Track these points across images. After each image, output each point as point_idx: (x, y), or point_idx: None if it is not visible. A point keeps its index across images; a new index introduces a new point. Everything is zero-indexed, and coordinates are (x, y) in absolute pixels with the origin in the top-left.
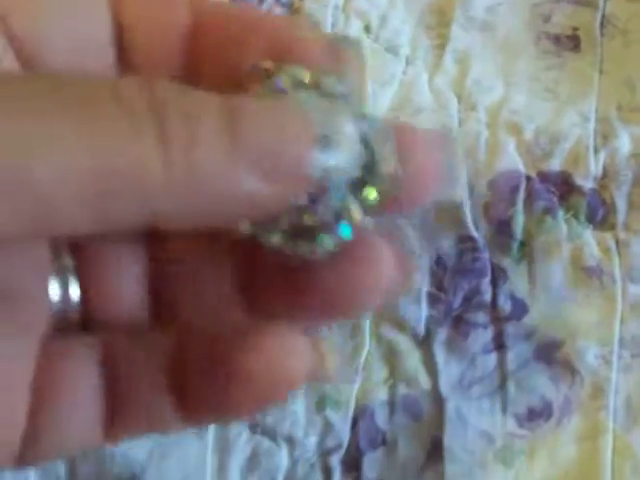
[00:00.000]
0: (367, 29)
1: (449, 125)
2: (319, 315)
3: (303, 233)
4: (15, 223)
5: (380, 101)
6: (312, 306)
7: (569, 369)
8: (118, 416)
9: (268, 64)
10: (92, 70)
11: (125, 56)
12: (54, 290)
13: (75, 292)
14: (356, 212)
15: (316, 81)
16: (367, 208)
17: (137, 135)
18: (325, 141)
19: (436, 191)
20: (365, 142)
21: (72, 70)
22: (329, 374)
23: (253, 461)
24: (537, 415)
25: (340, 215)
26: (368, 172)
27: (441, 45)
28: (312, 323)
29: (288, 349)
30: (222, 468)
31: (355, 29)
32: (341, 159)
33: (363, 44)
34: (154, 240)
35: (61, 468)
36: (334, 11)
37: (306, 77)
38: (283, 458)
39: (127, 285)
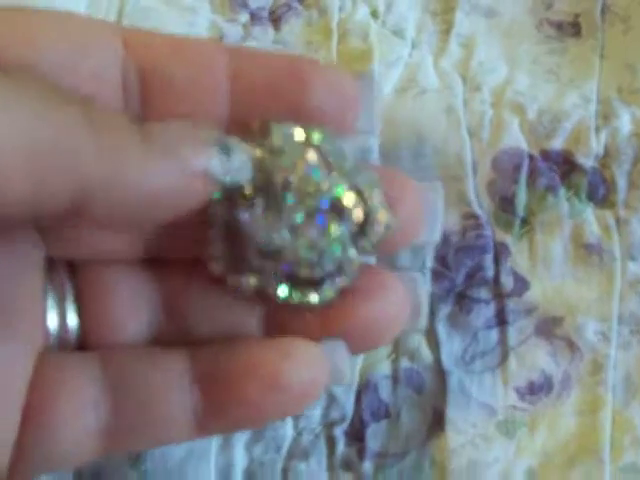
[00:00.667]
0: (374, 14)
1: (454, 105)
2: None
3: (307, 284)
4: None
5: (387, 82)
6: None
7: (569, 345)
8: (122, 430)
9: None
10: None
11: (156, 104)
12: (52, 319)
13: (72, 320)
14: (356, 261)
15: (307, 137)
16: (365, 254)
17: (74, 121)
18: (220, 149)
19: (420, 235)
20: (359, 195)
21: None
22: (344, 377)
23: (258, 432)
24: (538, 389)
25: (341, 265)
26: (365, 223)
27: (446, 30)
28: None
29: (313, 357)
30: (226, 440)
31: (362, 14)
32: (235, 164)
33: (370, 28)
34: (158, 266)
35: None
36: None
37: (299, 135)
38: (288, 429)
39: (126, 311)
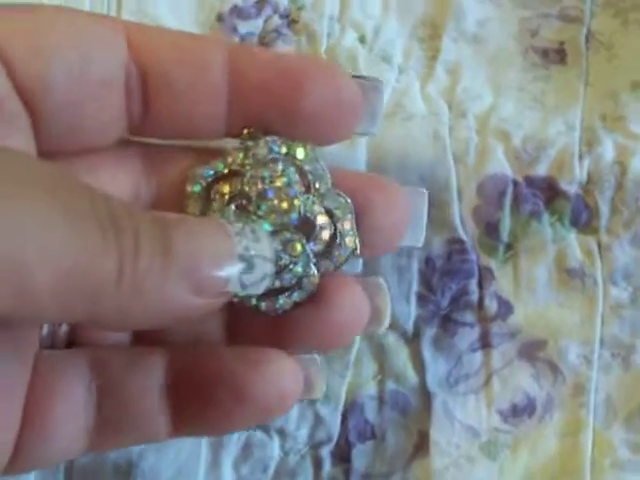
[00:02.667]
0: (362, 39)
1: (440, 131)
2: (296, 350)
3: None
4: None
5: None
6: (290, 342)
7: (551, 368)
8: (107, 428)
9: (248, 136)
10: (97, 102)
11: (157, 103)
12: None
13: None
14: (314, 279)
15: (291, 153)
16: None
17: (104, 247)
18: (244, 260)
19: (405, 240)
20: (330, 217)
21: (75, 101)
22: (317, 391)
23: (246, 452)
24: (521, 411)
25: (300, 281)
26: (332, 245)
27: (433, 56)
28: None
29: (284, 369)
30: (216, 458)
31: (350, 40)
32: (257, 277)
33: (358, 53)
34: None
35: None
36: (330, 22)
37: (283, 149)
38: (275, 449)
39: None
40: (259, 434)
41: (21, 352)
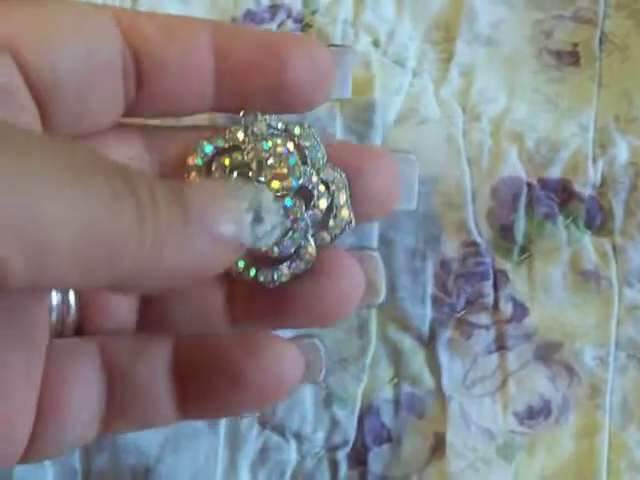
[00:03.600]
0: (375, 43)
1: (454, 134)
2: (295, 324)
3: (263, 263)
4: (23, 268)
5: (388, 110)
6: (289, 315)
7: (567, 370)
8: (117, 412)
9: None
10: (100, 88)
11: (149, 82)
12: (55, 303)
13: (72, 299)
14: (312, 249)
15: (288, 130)
16: (322, 246)
17: (119, 202)
18: (254, 215)
19: (397, 203)
20: (327, 189)
21: (81, 91)
22: (317, 376)
23: (263, 455)
24: (537, 413)
25: (299, 252)
26: (327, 217)
27: (447, 59)
28: (290, 327)
29: (281, 354)
30: (232, 461)
31: (364, 43)
32: (267, 228)
33: (371, 57)
34: None
35: (76, 460)
36: (343, 26)
37: (280, 126)
38: (292, 453)
39: (119, 297)
40: (276, 437)
41: (34, 340)
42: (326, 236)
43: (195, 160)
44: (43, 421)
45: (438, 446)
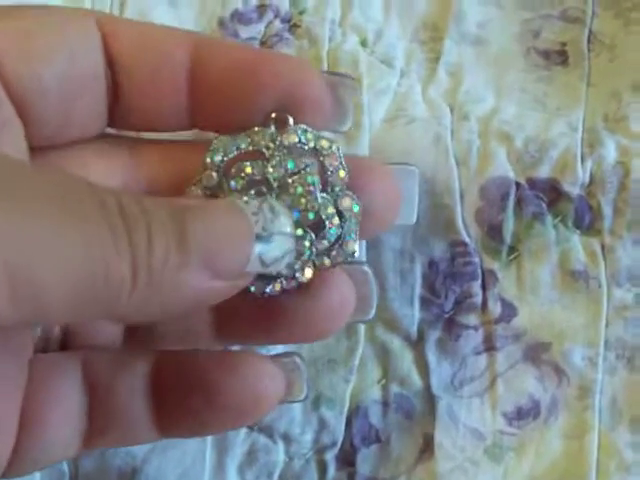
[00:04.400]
0: (363, 43)
1: (442, 134)
2: (283, 339)
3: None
4: (12, 313)
5: (375, 111)
6: (277, 330)
7: (556, 370)
8: (97, 429)
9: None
10: (83, 98)
11: (123, 94)
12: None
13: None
14: (309, 273)
15: (316, 147)
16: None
17: (118, 251)
18: (263, 239)
19: (398, 219)
20: (340, 218)
21: (64, 101)
22: (298, 393)
23: (250, 457)
24: (525, 414)
25: (294, 272)
26: (333, 246)
27: (434, 59)
28: (278, 343)
29: (261, 373)
30: (220, 463)
31: (351, 43)
32: (277, 254)
33: (359, 57)
34: None
35: (63, 462)
36: (331, 25)
37: (310, 139)
38: (280, 454)
39: None
40: (263, 439)
41: (16, 357)
42: (327, 262)
43: (214, 157)
44: (26, 436)
45: (427, 447)
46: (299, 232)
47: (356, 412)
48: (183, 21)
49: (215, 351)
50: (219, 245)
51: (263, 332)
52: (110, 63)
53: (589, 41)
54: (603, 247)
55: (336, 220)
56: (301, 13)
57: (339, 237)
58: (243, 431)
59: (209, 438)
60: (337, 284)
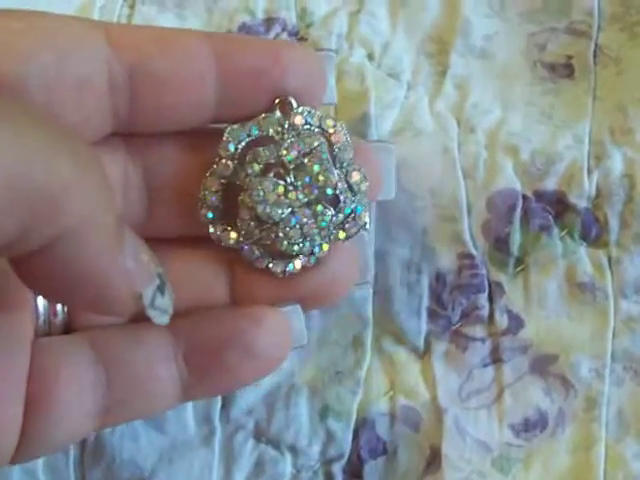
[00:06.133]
0: (370, 56)
1: (449, 147)
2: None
3: (276, 255)
4: None
5: (383, 123)
6: (289, 298)
7: (563, 382)
8: (118, 401)
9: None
10: (76, 103)
11: (144, 95)
12: (40, 304)
13: (59, 304)
14: (326, 248)
15: (322, 126)
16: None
17: (60, 164)
18: (160, 284)
19: (378, 193)
20: (351, 192)
21: (52, 105)
22: (302, 339)
23: (258, 468)
24: (532, 426)
25: (313, 249)
26: (346, 220)
27: (441, 72)
28: None
29: (280, 321)
30: (228, 474)
31: (358, 56)
32: (162, 305)
33: (366, 70)
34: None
35: (70, 472)
36: (338, 39)
37: (315, 120)
38: (287, 466)
39: None
40: (271, 451)
41: (15, 337)
42: (342, 235)
43: (228, 147)
44: (32, 417)
45: (434, 459)
46: (319, 208)
47: (363, 424)
48: None
49: (233, 307)
50: (138, 250)
51: (276, 300)
52: (127, 66)
53: (595, 54)
54: (610, 259)
55: (349, 194)
56: (308, 26)
57: (352, 210)
58: (250, 443)
59: (217, 450)
60: (345, 256)
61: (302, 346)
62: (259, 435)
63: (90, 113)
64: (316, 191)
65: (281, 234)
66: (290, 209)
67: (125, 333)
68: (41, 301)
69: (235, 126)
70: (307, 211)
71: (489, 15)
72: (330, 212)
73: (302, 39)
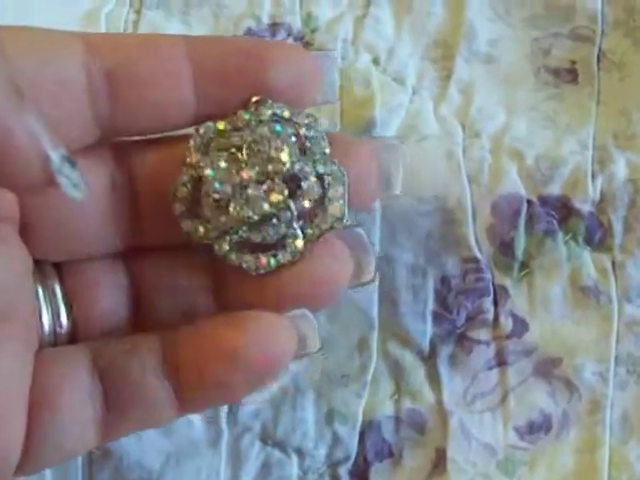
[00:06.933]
0: (375, 61)
1: (454, 151)
2: (285, 308)
3: (249, 249)
4: None
5: (387, 128)
6: (277, 303)
7: (567, 385)
8: (115, 414)
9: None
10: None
11: (124, 101)
12: (46, 317)
13: (64, 316)
14: (299, 241)
15: (292, 119)
16: (311, 241)
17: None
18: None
19: (378, 193)
20: (321, 182)
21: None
22: (312, 346)
23: (264, 471)
24: (537, 428)
25: (284, 242)
26: (317, 211)
27: (446, 77)
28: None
29: (274, 328)
30: (235, 477)
31: (364, 61)
32: (72, 179)
33: (371, 75)
34: (132, 255)
35: (79, 474)
36: (343, 44)
37: (286, 114)
38: (294, 469)
39: (109, 298)
40: (277, 454)
41: (19, 348)
42: (315, 230)
43: (195, 140)
44: (36, 426)
45: (439, 461)
46: (279, 198)
47: (369, 427)
48: None
49: (219, 315)
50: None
51: (265, 307)
52: (106, 71)
53: (599, 60)
54: (614, 263)
55: (312, 179)
56: (313, 32)
57: (321, 200)
58: (257, 446)
59: (223, 453)
60: (331, 250)
61: (312, 353)
62: (266, 438)
63: (70, 111)
64: (270, 167)
65: (237, 217)
66: (239, 186)
67: (122, 345)
68: (46, 316)
69: (205, 122)
70: (256, 187)
71: (493, 20)
72: (284, 190)
73: (308, 44)
